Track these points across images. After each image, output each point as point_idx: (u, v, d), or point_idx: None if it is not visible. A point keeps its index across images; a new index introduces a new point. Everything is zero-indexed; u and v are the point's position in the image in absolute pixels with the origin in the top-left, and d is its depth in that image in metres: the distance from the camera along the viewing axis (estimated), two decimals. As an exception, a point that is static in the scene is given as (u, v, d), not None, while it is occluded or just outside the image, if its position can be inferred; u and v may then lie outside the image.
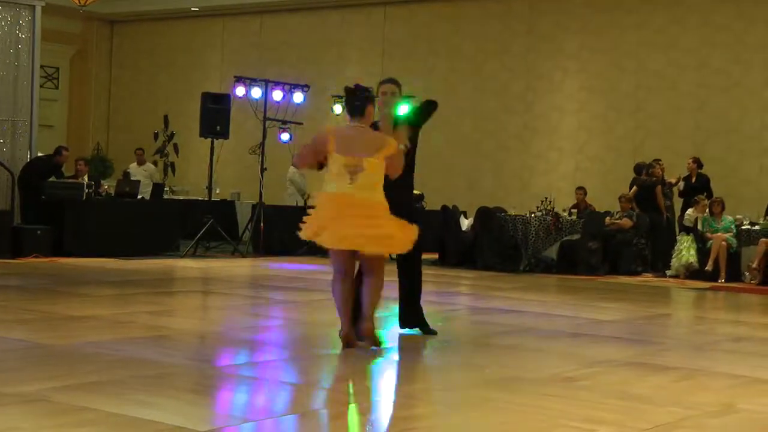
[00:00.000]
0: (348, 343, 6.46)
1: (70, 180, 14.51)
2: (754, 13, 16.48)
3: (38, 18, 13.99)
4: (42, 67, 15.68)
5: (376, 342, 6.53)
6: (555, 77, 18.32)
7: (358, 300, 6.55)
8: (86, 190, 13.77)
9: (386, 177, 6.47)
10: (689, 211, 14.13)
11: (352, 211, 6.27)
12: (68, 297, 9.09)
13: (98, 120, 23.79)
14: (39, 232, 13.04)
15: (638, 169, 15.36)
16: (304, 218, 6.48)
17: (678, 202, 15.15)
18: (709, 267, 13.47)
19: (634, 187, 15.00)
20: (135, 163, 17.77)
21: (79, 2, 14.89)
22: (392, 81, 7.09)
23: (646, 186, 14.76)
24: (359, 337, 6.52)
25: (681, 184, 15.11)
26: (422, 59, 19.21)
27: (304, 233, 6.46)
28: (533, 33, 18.45)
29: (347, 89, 6.51)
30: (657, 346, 7.40)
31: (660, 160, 15.36)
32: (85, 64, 23.53)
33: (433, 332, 7.25)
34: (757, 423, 4.88)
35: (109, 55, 23.88)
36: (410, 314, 7.27)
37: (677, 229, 14.51)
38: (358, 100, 6.45)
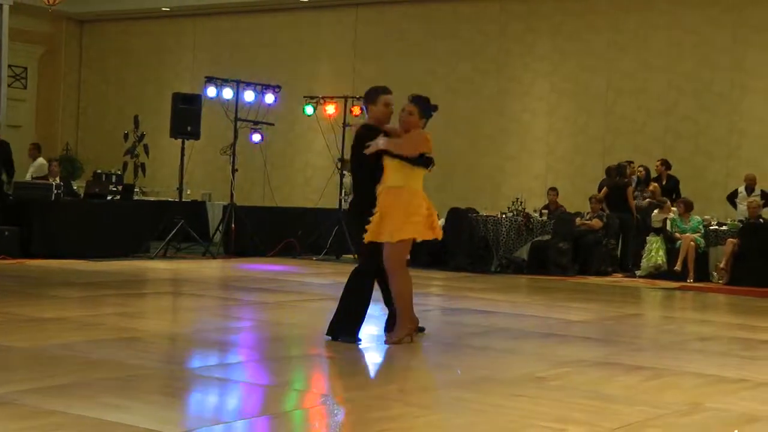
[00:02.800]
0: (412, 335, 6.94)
1: (39, 181, 14.37)
2: (721, 18, 16.64)
3: (6, 17, 13.90)
4: (10, 66, 15.56)
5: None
6: (526, 79, 18.40)
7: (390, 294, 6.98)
8: (55, 191, 13.65)
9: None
10: (655, 212, 14.24)
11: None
12: (37, 299, 9.01)
13: (67, 120, 23.59)
14: (6, 233, 12.91)
15: (608, 170, 15.46)
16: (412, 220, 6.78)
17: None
18: (678, 267, 13.58)
19: (605, 188, 15.09)
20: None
21: (48, 2, 14.75)
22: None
23: (618, 187, 14.85)
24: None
25: (656, 186, 15.18)
26: (394, 60, 19.22)
27: (424, 233, 6.89)
28: (505, 35, 18.51)
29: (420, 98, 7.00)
30: (627, 346, 7.45)
31: (632, 161, 15.48)
32: (54, 64, 23.33)
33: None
34: (724, 421, 4.93)
35: (78, 55, 23.69)
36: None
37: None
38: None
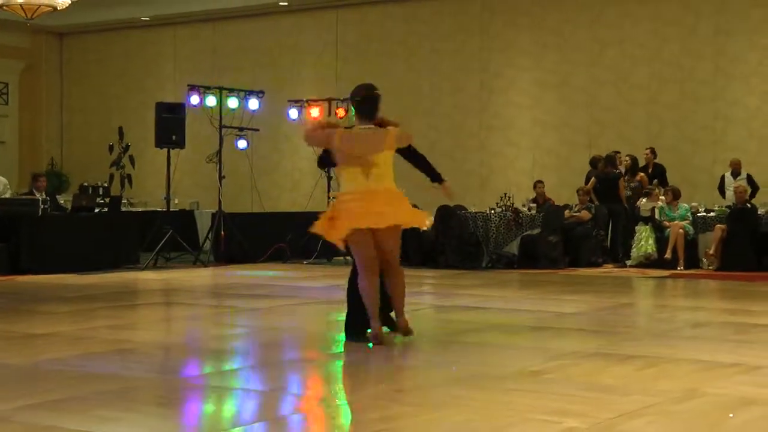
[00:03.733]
0: (380, 341, 6.74)
1: (24, 196, 14.31)
2: (702, 7, 16.70)
3: (-16, 34, 13.80)
4: (-9, 82, 15.45)
5: (410, 332, 6.96)
6: (508, 74, 18.42)
7: (384, 297, 6.95)
8: (42, 206, 13.60)
9: None
10: (643, 201, 14.27)
11: (375, 199, 6.87)
12: (28, 315, 8.98)
13: (51, 134, 23.50)
14: (-5, 250, 12.85)
15: (594, 162, 15.48)
16: (327, 223, 6.86)
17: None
18: (667, 255, 13.62)
19: (593, 179, 15.11)
20: None
21: (26, 15, 14.68)
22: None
23: (609, 178, 14.85)
24: (391, 329, 7.02)
25: (643, 176, 15.21)
26: (377, 61, 19.22)
27: (336, 236, 6.88)
28: (486, 31, 18.53)
29: (359, 93, 6.95)
30: (620, 336, 7.47)
31: (619, 152, 15.52)
32: (36, 78, 23.24)
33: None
34: (720, 406, 4.94)
35: (59, 68, 23.60)
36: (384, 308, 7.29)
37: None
38: (373, 104, 6.97)
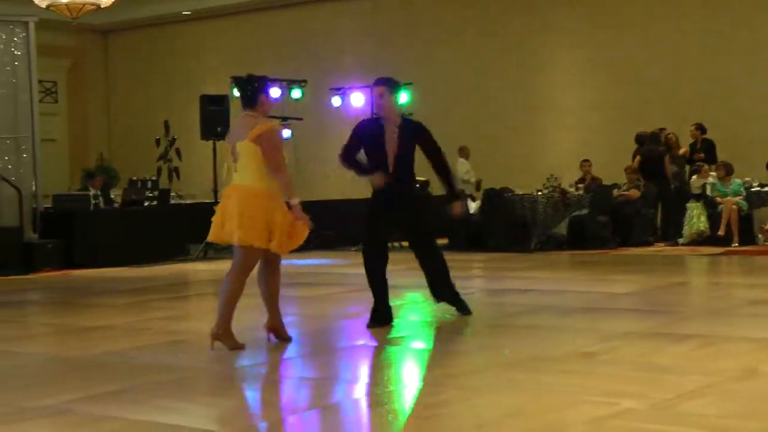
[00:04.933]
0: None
1: (77, 192, 14.52)
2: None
3: (32, 34, 13.99)
4: (40, 82, 15.68)
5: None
6: (552, 53, 18.26)
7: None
8: (93, 201, 13.78)
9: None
10: (694, 177, 14.08)
11: (231, 196, 6.21)
12: (83, 308, 9.11)
13: (99, 130, 23.79)
14: (49, 245, 13.06)
15: (640, 139, 15.29)
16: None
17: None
18: (721, 232, 13.41)
19: (637, 158, 14.93)
20: None
21: (71, 15, 14.84)
22: (380, 82, 7.16)
23: (654, 155, 14.66)
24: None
25: (686, 150, 15.05)
26: (418, 46, 19.15)
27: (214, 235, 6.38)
28: (531, 11, 18.37)
29: (237, 79, 6.56)
30: (675, 315, 7.38)
31: (665, 128, 15.30)
32: (83, 76, 23.53)
33: (468, 312, 7.29)
34: (781, 384, 4.86)
35: (105, 66, 23.86)
36: (445, 287, 7.28)
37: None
38: (249, 90, 6.33)
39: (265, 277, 6.48)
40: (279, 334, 6.53)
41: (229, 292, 6.28)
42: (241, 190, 6.18)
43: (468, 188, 15.87)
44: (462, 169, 16.42)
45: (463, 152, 16.74)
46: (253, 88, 6.31)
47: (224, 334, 6.22)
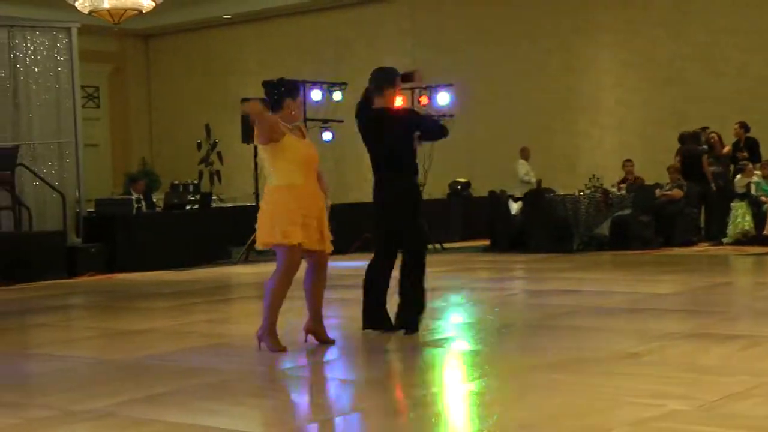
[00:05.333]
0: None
1: (118, 197, 14.67)
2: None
3: (75, 39, 14.16)
4: (82, 87, 15.88)
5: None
6: (591, 53, 18.15)
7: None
8: (135, 205, 13.91)
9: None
10: (738, 177, 13.92)
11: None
12: (126, 312, 9.19)
13: (141, 135, 24.03)
14: (93, 250, 13.20)
15: (683, 138, 15.14)
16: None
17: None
18: (766, 232, 13.25)
19: (678, 156, 14.80)
20: None
21: (113, 21, 15.02)
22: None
23: (693, 155, 14.53)
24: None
25: (729, 149, 14.89)
26: (455, 46, 19.11)
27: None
28: (565, 10, 18.28)
29: (267, 83, 6.54)
30: (720, 316, 7.30)
31: (707, 127, 15.14)
32: (124, 81, 23.78)
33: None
34: (830, 385, 4.78)
35: (146, 70, 24.10)
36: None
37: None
38: (275, 94, 6.40)
39: (311, 279, 6.49)
40: (320, 336, 6.53)
41: (271, 293, 6.29)
42: (265, 191, 6.41)
43: (528, 188, 15.73)
44: (522, 170, 16.33)
45: (524, 153, 16.65)
46: (279, 92, 6.36)
47: (268, 336, 6.24)
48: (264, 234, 6.30)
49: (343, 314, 8.76)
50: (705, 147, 14.62)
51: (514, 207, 15.12)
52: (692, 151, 14.56)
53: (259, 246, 6.50)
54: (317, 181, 6.46)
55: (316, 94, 15.71)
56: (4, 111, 13.59)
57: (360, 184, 19.67)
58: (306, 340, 6.54)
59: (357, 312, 8.32)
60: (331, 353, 6.55)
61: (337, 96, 15.99)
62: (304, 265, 6.51)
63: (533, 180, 16.28)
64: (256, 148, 15.23)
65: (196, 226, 14.42)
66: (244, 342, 7.06)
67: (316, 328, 6.55)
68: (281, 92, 6.37)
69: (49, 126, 13.92)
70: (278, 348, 6.23)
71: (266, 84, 6.50)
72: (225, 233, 14.85)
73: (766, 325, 6.67)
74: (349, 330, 7.69)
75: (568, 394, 4.80)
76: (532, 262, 12.61)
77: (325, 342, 6.53)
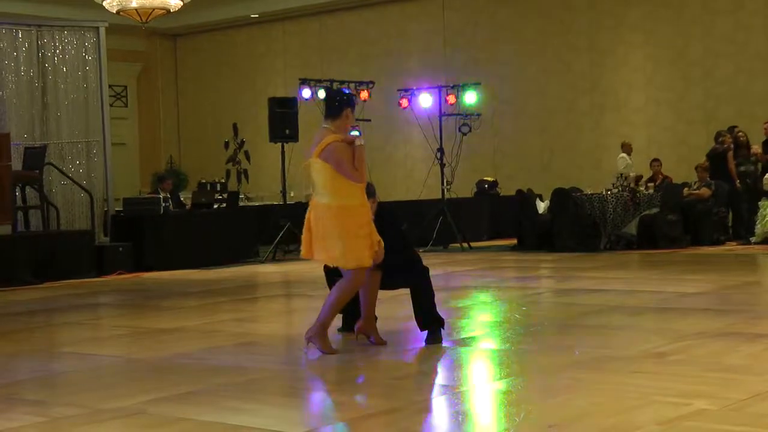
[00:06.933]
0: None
1: (147, 196, 14.76)
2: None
3: (103, 39, 14.25)
4: (110, 86, 15.98)
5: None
6: (619, 51, 18.06)
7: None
8: (163, 204, 14.00)
9: None
10: (766, 176, 13.81)
11: (311, 212, 6.26)
12: (155, 310, 9.25)
13: (169, 134, 24.17)
14: (120, 249, 13.29)
15: (718, 137, 15.04)
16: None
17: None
18: (794, 231, 13.14)
19: (705, 156, 14.72)
20: None
21: (141, 20, 15.12)
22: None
23: (716, 154, 14.44)
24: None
25: (757, 149, 14.76)
26: (484, 46, 19.08)
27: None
28: (595, 8, 18.20)
29: (328, 88, 6.48)
30: (748, 315, 7.25)
31: (736, 126, 15.04)
32: (152, 80, 23.93)
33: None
34: None
35: (174, 69, 24.24)
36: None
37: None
38: (337, 100, 6.42)
39: (366, 281, 6.49)
40: (374, 338, 6.56)
41: (336, 300, 6.31)
42: (318, 208, 6.21)
43: (627, 182, 15.45)
44: (621, 164, 16.16)
45: (625, 148, 16.39)
46: (340, 101, 6.39)
47: (318, 337, 6.25)
48: (335, 257, 6.17)
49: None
50: (723, 146, 14.47)
51: (541, 206, 15.09)
52: (715, 149, 14.50)
53: (328, 263, 6.40)
54: None
55: (342, 93, 15.70)
56: (32, 110, 13.71)
57: (385, 182, 19.70)
58: (356, 338, 6.55)
59: (385, 311, 8.35)
60: (361, 352, 6.57)
61: (364, 95, 16.01)
62: None
63: (632, 174, 15.99)
64: (283, 146, 15.30)
65: (224, 225, 14.48)
66: (271, 341, 7.10)
67: (368, 329, 6.58)
68: (342, 101, 6.42)
69: (77, 125, 14.02)
70: (329, 350, 6.22)
71: (327, 90, 6.48)
72: (252, 232, 14.91)
73: (795, 325, 6.62)
74: (380, 329, 7.70)
75: (595, 393, 4.79)
76: (559, 261, 12.57)
77: (378, 343, 6.53)
